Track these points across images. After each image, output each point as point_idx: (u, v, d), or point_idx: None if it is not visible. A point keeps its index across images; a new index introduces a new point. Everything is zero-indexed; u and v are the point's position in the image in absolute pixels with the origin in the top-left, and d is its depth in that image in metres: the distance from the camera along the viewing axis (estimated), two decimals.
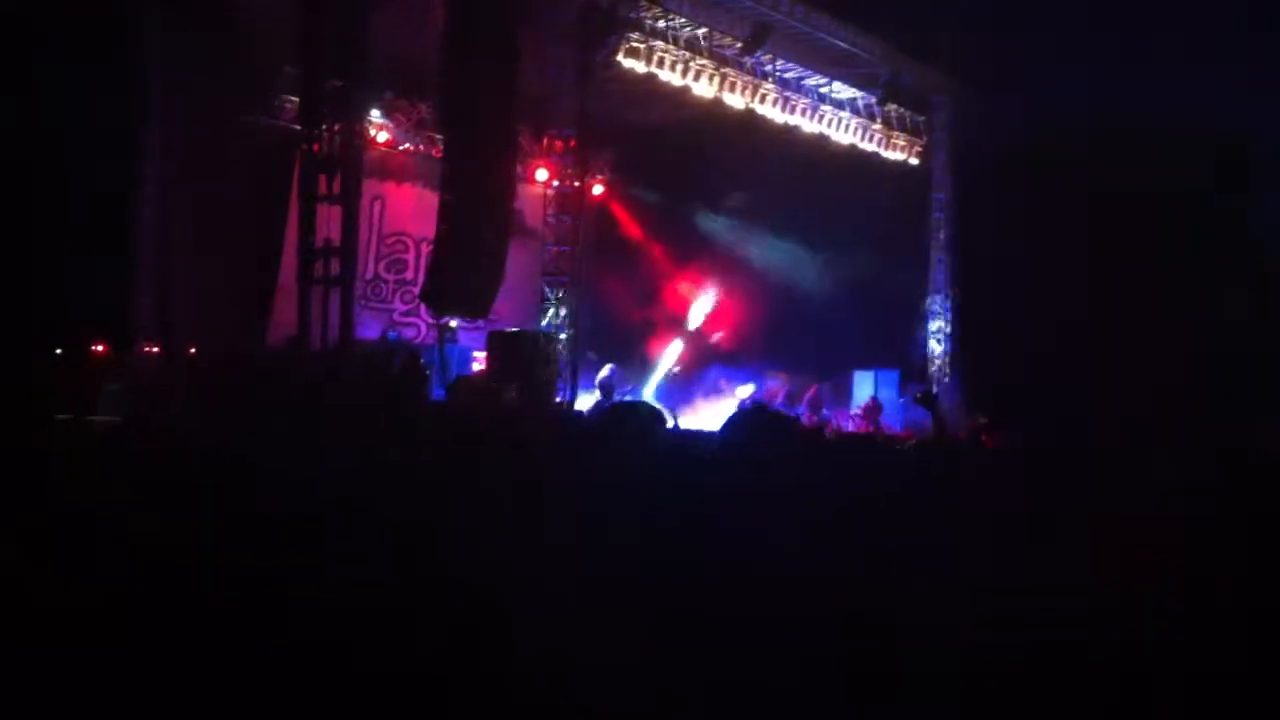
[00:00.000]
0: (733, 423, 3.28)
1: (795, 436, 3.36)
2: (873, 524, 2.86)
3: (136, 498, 2.68)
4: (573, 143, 15.99)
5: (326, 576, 2.48)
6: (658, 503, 2.87)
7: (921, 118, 20.13)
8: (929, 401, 16.16)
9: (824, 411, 16.54)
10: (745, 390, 16.86)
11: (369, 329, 14.53)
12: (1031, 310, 14.77)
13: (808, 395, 16.78)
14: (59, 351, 7.79)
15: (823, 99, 18.67)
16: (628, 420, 4.43)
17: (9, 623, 2.12)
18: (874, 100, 19.16)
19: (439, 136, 14.89)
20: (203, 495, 2.76)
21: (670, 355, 17.83)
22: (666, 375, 17.61)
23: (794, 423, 3.52)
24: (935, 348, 19.73)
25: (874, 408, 16.65)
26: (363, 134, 13.99)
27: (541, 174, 16.67)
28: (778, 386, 16.94)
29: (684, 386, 17.42)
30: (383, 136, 16.16)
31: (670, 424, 8.61)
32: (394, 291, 16.58)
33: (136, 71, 10.85)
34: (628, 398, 14.27)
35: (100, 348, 8.91)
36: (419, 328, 15.93)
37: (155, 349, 11.32)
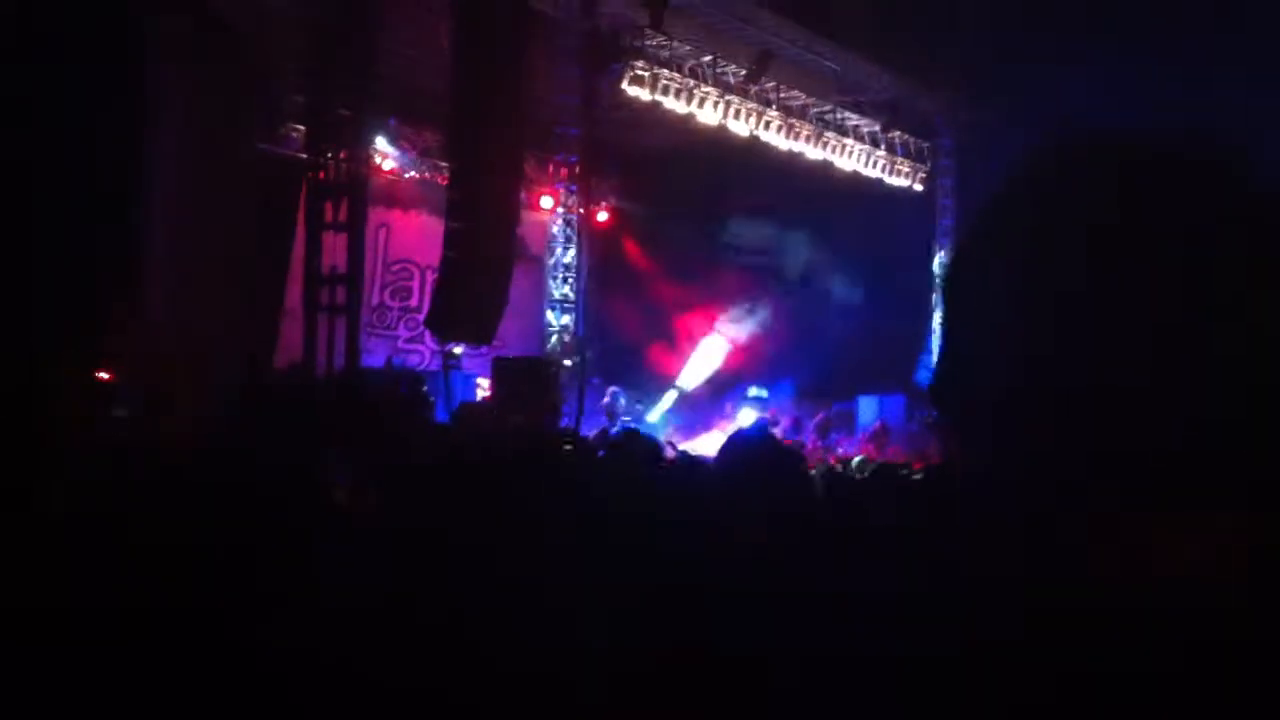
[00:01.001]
0: (728, 449, 3.28)
1: (791, 462, 3.36)
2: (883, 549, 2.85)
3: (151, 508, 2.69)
4: (578, 169, 16.07)
5: (329, 588, 2.48)
6: (653, 531, 2.88)
7: (926, 144, 20.21)
8: (939, 427, 16.14)
9: (831, 436, 16.52)
10: (748, 415, 16.87)
11: (374, 356, 14.56)
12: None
13: (815, 421, 16.77)
14: (67, 377, 7.78)
15: (827, 125, 18.75)
16: (623, 452, 4.47)
17: (11, 624, 2.12)
18: (878, 127, 19.25)
19: (444, 164, 14.97)
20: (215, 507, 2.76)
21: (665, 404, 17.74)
22: (676, 399, 17.61)
23: (787, 450, 3.51)
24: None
25: (881, 433, 16.63)
26: (368, 161, 14.08)
27: (546, 201, 16.75)
28: (780, 413, 16.94)
29: (692, 410, 17.43)
30: (389, 164, 16.25)
31: (669, 454, 8.62)
32: (399, 319, 16.64)
33: (141, 99, 10.90)
34: (631, 424, 14.27)
35: (106, 375, 8.89)
36: (423, 354, 15.97)
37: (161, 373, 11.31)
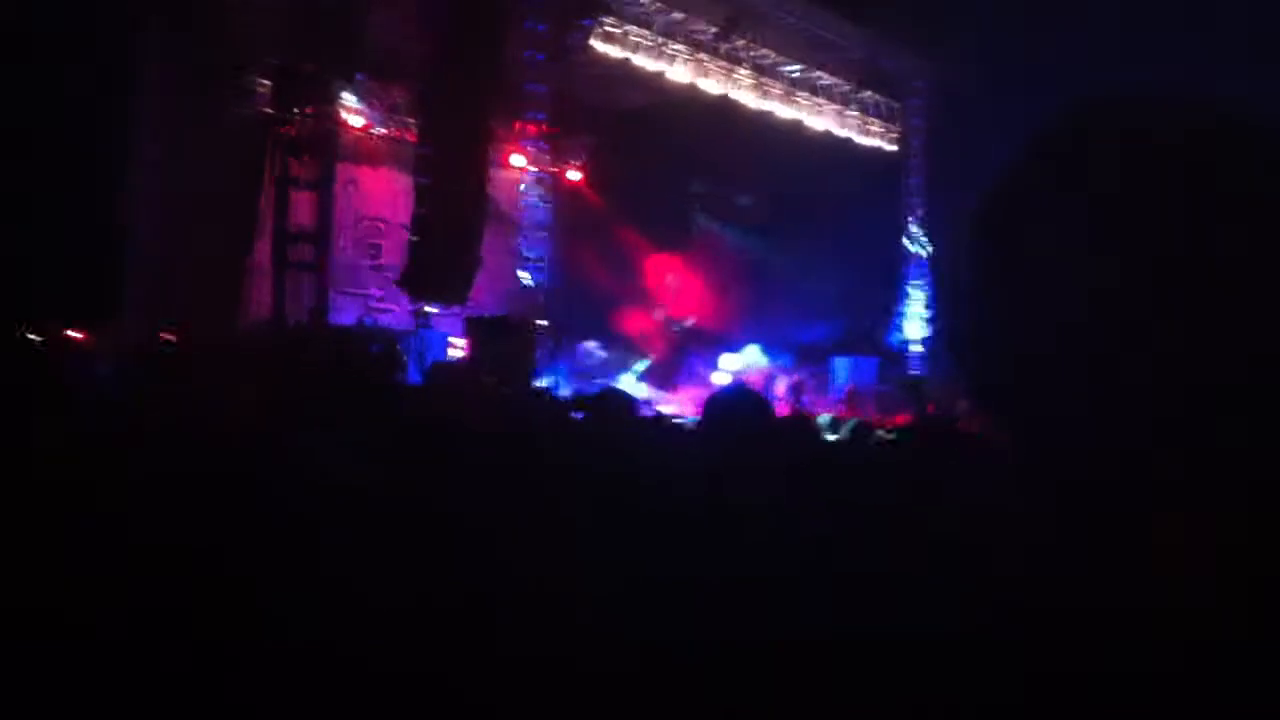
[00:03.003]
0: (712, 401, 3.28)
1: (772, 413, 3.37)
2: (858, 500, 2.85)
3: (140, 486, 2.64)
4: (548, 127, 15.93)
5: (317, 566, 2.46)
6: (638, 487, 2.87)
7: (897, 104, 20.20)
8: (916, 388, 16.32)
9: (804, 399, 16.58)
10: (722, 375, 16.91)
11: (345, 314, 14.42)
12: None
13: (789, 381, 16.82)
14: (38, 339, 7.66)
15: (798, 85, 18.68)
16: (600, 408, 4.44)
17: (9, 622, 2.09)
18: (849, 87, 19.21)
19: (413, 120, 14.81)
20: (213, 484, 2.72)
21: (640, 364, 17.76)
22: (647, 362, 17.62)
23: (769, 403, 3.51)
24: (914, 334, 19.80)
25: (855, 394, 16.71)
26: (336, 118, 13.90)
27: (518, 159, 16.59)
28: (755, 374, 16.99)
29: (663, 372, 17.44)
30: (356, 120, 16.03)
31: (642, 411, 8.60)
32: (369, 276, 16.49)
33: (120, 60, 10.71)
34: (604, 382, 14.25)
35: (79, 334, 8.75)
36: (396, 313, 15.85)
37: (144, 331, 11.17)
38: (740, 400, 3.43)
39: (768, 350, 17.91)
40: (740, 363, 17.41)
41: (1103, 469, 0.80)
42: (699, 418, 3.30)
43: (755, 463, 3.02)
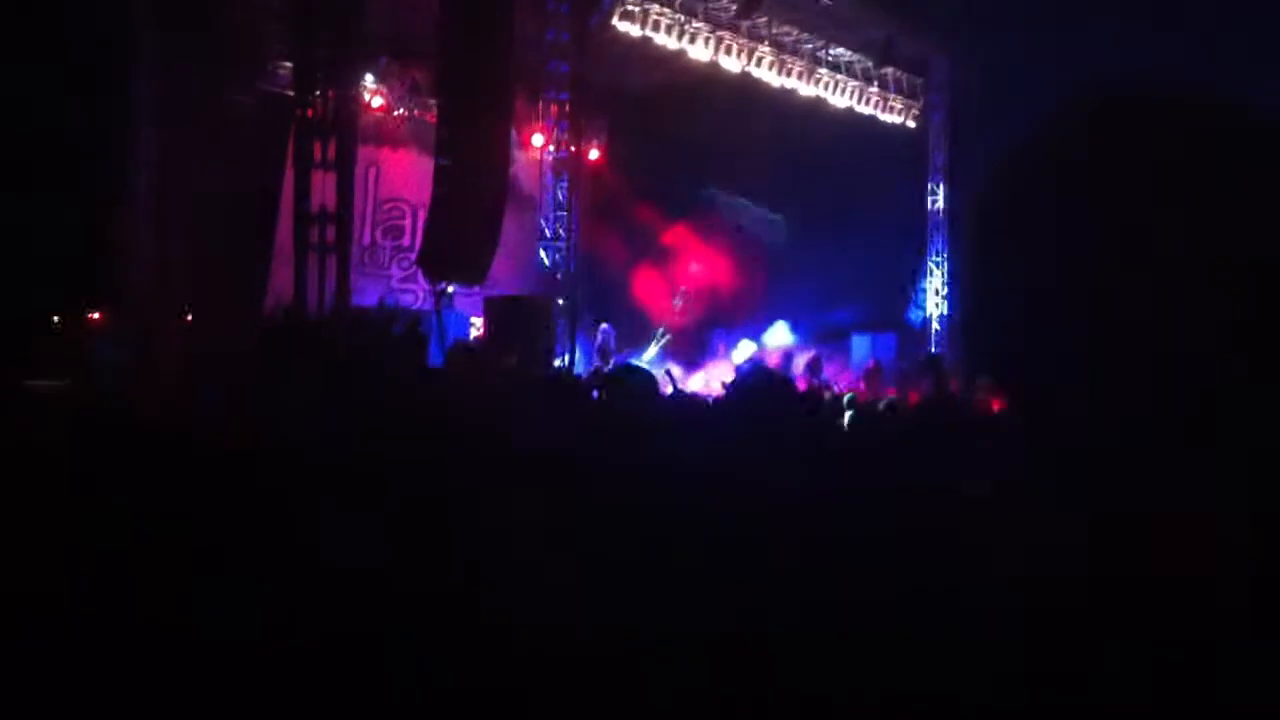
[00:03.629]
0: (736, 384, 3.33)
1: (794, 393, 3.40)
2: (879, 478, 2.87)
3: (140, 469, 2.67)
4: (568, 107, 15.91)
5: (325, 541, 2.48)
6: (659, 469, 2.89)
7: (919, 80, 20.04)
8: (934, 365, 16.25)
9: (822, 375, 16.55)
10: (742, 353, 16.89)
11: (367, 296, 14.51)
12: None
13: (806, 359, 16.79)
14: (56, 319, 7.76)
15: (819, 62, 18.57)
16: (622, 386, 4.46)
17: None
18: (871, 63, 19.07)
19: (433, 102, 14.82)
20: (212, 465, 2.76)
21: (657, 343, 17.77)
22: (664, 340, 17.62)
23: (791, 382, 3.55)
24: (934, 311, 19.74)
25: (875, 371, 16.68)
26: (357, 99, 13.92)
27: (537, 139, 16.59)
28: (774, 352, 16.98)
29: (684, 349, 17.44)
30: (377, 102, 16.08)
31: (669, 389, 8.64)
32: (391, 258, 16.55)
33: (131, 39, 10.76)
34: (625, 361, 14.28)
35: (97, 315, 8.85)
36: (416, 294, 15.92)
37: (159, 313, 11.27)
38: (763, 384, 3.47)
39: (793, 328, 17.91)
40: (761, 341, 17.40)
41: (1103, 440, 0.83)
42: (720, 396, 3.35)
43: (775, 451, 3.06)
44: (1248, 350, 0.79)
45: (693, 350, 17.43)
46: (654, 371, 5.00)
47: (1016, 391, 0.91)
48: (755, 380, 3.43)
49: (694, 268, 18.75)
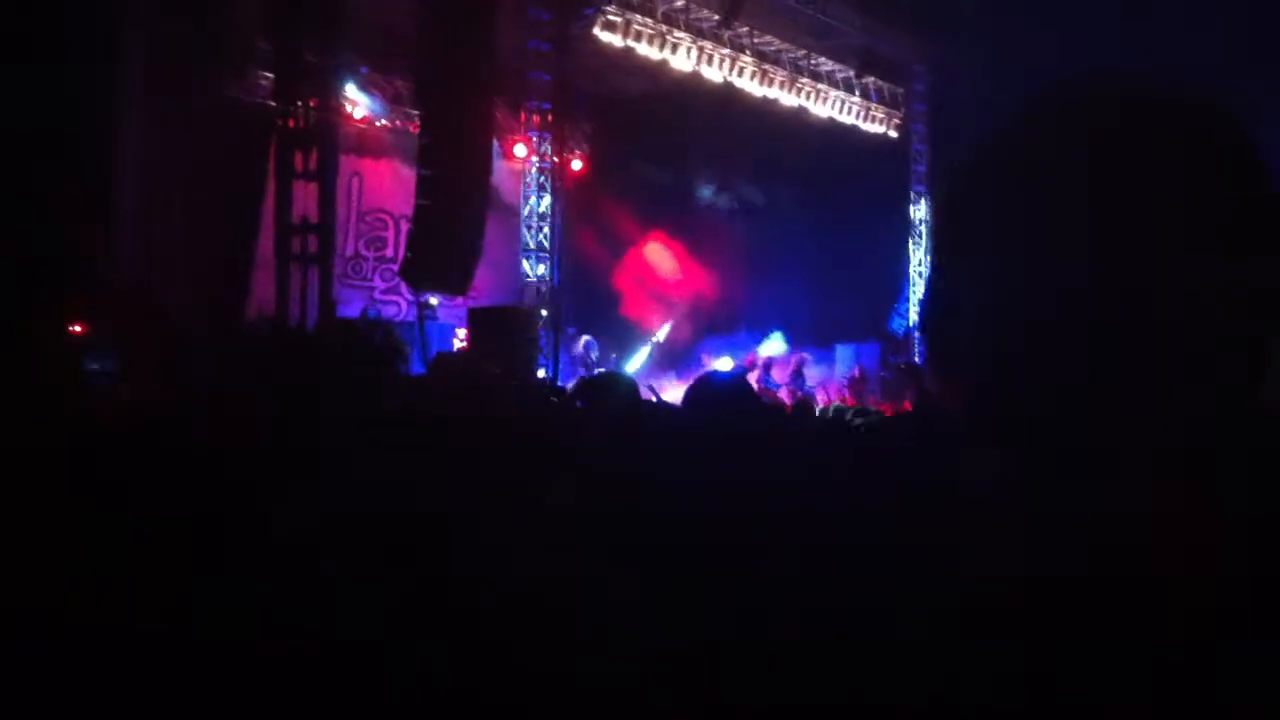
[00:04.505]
0: (692, 390, 3.37)
1: (752, 402, 3.40)
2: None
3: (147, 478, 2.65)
4: (551, 117, 15.92)
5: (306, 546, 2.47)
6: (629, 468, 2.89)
7: (900, 90, 20.13)
8: (915, 374, 16.29)
9: (806, 385, 16.59)
10: (723, 365, 16.90)
11: (350, 307, 14.48)
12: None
13: (790, 367, 16.83)
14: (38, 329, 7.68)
15: (801, 71, 18.63)
16: (602, 393, 4.45)
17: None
18: (852, 73, 19.14)
19: (416, 112, 14.81)
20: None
21: (660, 335, 17.83)
22: (652, 350, 17.63)
23: (750, 391, 3.55)
24: (916, 319, 19.81)
25: (860, 380, 16.72)
26: (339, 109, 13.91)
27: (520, 149, 16.59)
28: (757, 357, 17.00)
29: (670, 361, 17.46)
30: (359, 112, 16.05)
31: (649, 396, 8.62)
32: (374, 269, 16.51)
33: (115, 45, 10.71)
34: (606, 369, 14.28)
35: (79, 328, 8.75)
36: (400, 305, 15.88)
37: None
38: (712, 394, 3.48)
39: (776, 339, 17.96)
40: (756, 352, 17.41)
41: (1048, 438, 0.82)
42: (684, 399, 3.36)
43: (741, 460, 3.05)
44: (1213, 346, 0.79)
45: (679, 362, 17.45)
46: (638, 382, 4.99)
47: (968, 390, 0.90)
48: (705, 391, 3.42)
49: (677, 276, 18.77)
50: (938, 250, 0.96)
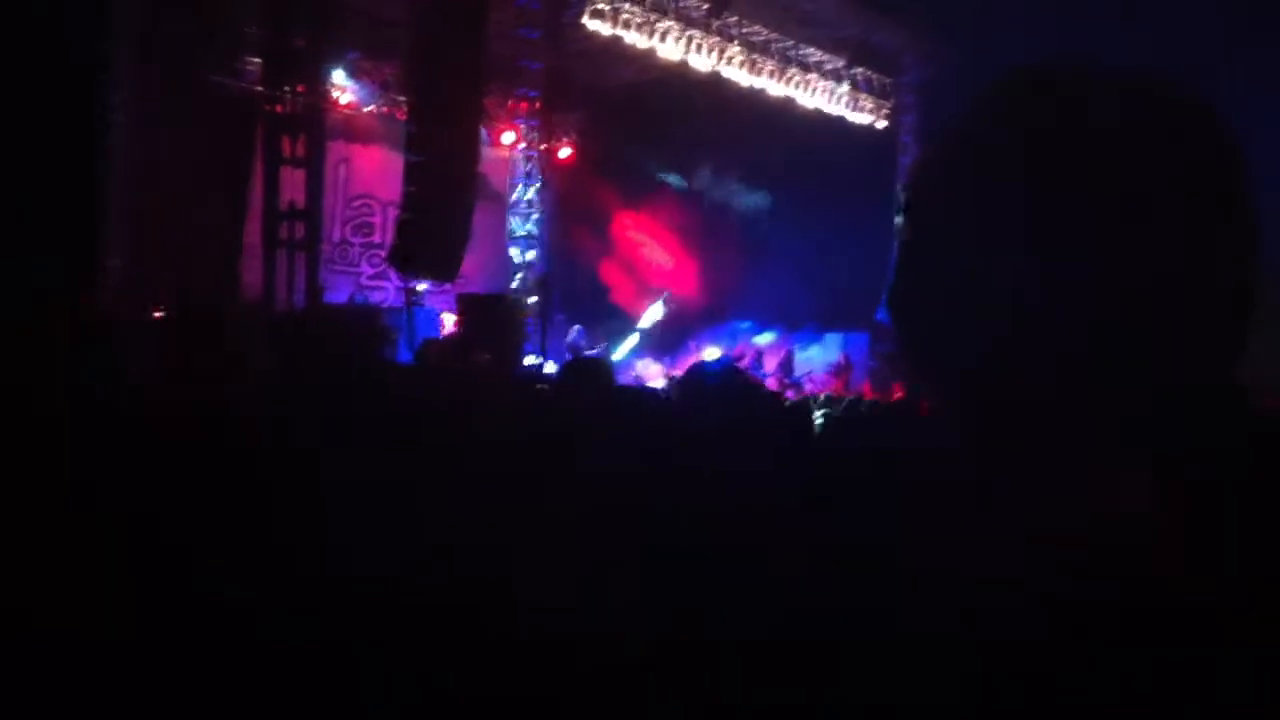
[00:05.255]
0: (685, 378, 3.37)
1: (745, 388, 3.40)
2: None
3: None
4: (539, 105, 15.90)
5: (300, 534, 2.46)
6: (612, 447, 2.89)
7: (889, 80, 20.11)
8: (895, 360, 16.30)
9: (794, 374, 16.61)
10: (712, 352, 16.92)
11: (337, 293, 14.44)
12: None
13: (779, 357, 16.85)
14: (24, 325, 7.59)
15: (790, 61, 18.61)
16: (580, 373, 4.46)
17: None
18: (842, 63, 19.12)
19: (404, 99, 14.77)
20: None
21: (649, 318, 17.81)
22: (642, 337, 17.63)
23: (745, 377, 3.56)
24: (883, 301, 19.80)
25: (845, 367, 16.75)
26: (327, 95, 13.86)
27: (508, 137, 16.56)
28: (746, 348, 17.03)
29: (658, 350, 17.47)
30: (347, 98, 15.99)
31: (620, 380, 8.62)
32: (361, 255, 16.47)
33: (101, 27, 10.63)
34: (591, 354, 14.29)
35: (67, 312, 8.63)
36: (387, 291, 15.86)
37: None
38: (719, 375, 3.48)
39: (766, 327, 17.98)
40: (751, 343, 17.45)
41: (1008, 424, 0.82)
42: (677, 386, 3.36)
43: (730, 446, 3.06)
44: (1167, 333, 0.78)
45: (667, 350, 17.46)
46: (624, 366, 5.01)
47: (922, 370, 0.89)
48: (699, 377, 3.43)
49: (665, 262, 18.76)
50: (900, 241, 0.94)
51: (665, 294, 18.19)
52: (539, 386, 7.30)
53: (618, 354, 16.71)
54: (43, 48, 9.07)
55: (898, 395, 13.04)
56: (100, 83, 10.38)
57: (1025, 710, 0.75)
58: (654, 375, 15.00)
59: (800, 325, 18.14)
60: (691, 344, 17.48)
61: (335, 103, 15.21)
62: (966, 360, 0.85)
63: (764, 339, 17.91)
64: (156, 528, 2.33)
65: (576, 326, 15.92)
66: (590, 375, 4.38)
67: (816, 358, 17.83)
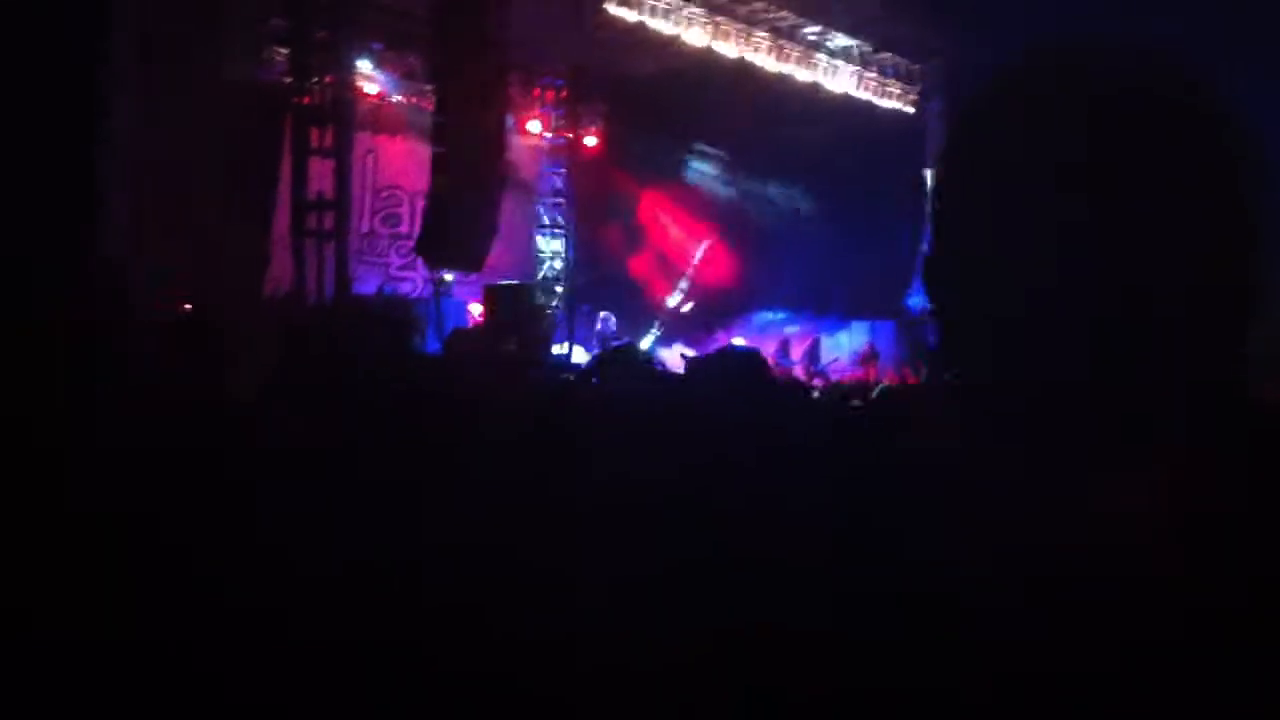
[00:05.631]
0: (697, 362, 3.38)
1: (758, 374, 3.38)
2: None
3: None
4: (565, 93, 15.88)
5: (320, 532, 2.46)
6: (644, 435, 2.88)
7: (917, 65, 19.97)
8: (920, 350, 16.25)
9: (820, 364, 16.58)
10: (739, 338, 16.89)
11: (365, 284, 14.50)
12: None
13: (805, 346, 16.82)
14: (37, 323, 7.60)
15: (816, 47, 18.50)
16: (616, 368, 4.44)
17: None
18: (870, 48, 19.00)
19: (429, 88, 14.78)
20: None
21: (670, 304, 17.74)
22: (661, 324, 17.61)
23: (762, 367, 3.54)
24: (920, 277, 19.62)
25: (870, 355, 16.69)
26: (353, 86, 13.89)
27: (534, 125, 16.55)
28: (776, 337, 16.99)
29: (685, 335, 17.45)
30: (373, 89, 16.02)
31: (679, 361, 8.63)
32: (389, 245, 16.53)
33: (117, 22, 10.64)
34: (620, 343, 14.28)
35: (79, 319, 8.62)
36: (415, 282, 15.90)
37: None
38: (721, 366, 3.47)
39: (793, 316, 17.93)
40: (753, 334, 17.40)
41: (1045, 405, 0.80)
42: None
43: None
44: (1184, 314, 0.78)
45: (693, 336, 17.43)
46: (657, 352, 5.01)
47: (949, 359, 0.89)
48: (713, 363, 3.42)
49: (692, 252, 18.72)
50: (932, 211, 0.93)
51: (684, 282, 18.17)
52: (566, 376, 7.31)
53: (644, 341, 16.72)
54: (41, 51, 9.08)
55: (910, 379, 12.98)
56: (100, 81, 10.38)
57: (1025, 710, 0.75)
58: (676, 359, 15.01)
59: (826, 312, 18.08)
60: (720, 334, 17.46)
61: (362, 93, 15.24)
62: (985, 337, 0.84)
63: (790, 329, 17.88)
64: (157, 528, 2.33)
65: (604, 314, 15.91)
66: (621, 363, 4.38)
67: (844, 345, 17.77)
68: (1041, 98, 0.83)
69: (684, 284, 18.25)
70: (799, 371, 15.51)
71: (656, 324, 17.71)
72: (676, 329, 17.78)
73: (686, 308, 18.22)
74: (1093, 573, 0.76)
